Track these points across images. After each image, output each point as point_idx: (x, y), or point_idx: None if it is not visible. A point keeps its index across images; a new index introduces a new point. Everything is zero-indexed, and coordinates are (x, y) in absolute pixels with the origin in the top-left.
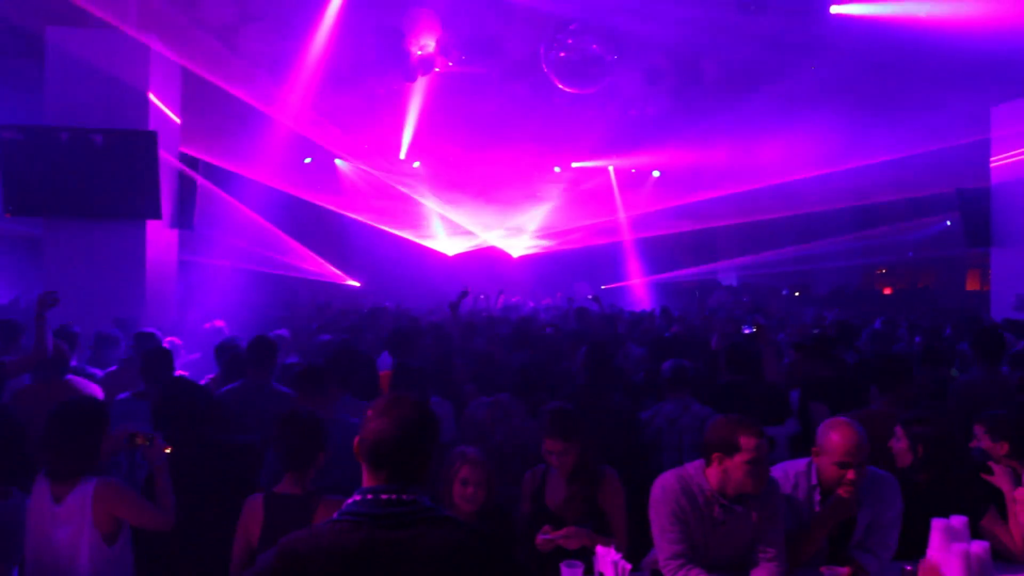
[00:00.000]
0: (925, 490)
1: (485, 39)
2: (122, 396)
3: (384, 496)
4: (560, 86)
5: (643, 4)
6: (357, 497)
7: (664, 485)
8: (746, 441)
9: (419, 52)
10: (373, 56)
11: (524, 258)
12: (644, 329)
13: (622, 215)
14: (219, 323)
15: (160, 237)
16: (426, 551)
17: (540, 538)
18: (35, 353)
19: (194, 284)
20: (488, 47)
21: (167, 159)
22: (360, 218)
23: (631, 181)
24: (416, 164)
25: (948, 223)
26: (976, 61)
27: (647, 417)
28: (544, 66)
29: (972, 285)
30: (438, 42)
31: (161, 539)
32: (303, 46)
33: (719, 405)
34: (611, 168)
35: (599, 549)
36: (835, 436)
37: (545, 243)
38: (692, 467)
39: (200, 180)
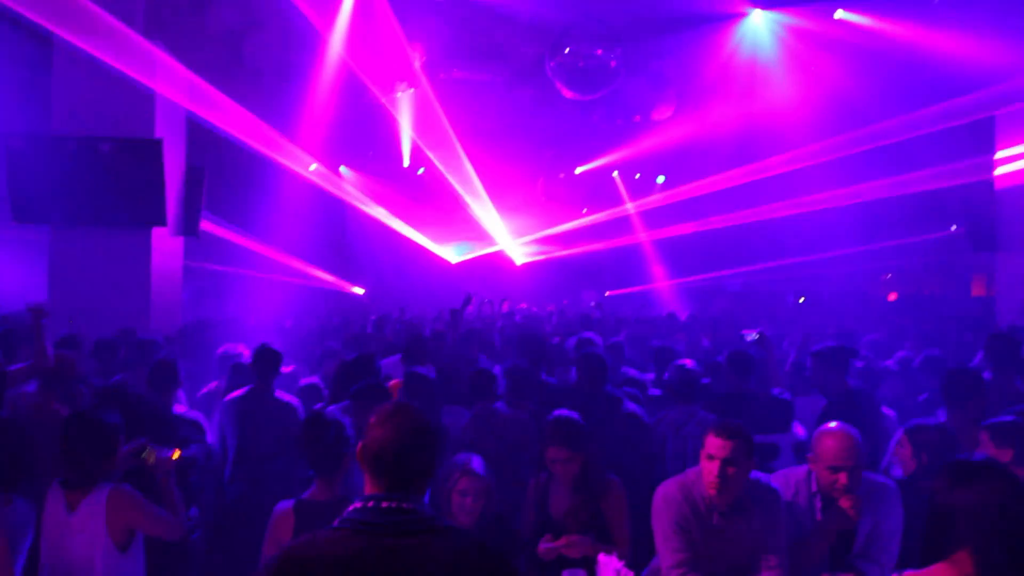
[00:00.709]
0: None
1: (490, 46)
2: None
3: (385, 504)
4: (564, 93)
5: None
6: (358, 504)
7: (666, 493)
8: (710, 441)
9: (420, 60)
10: (377, 63)
11: (528, 265)
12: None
13: (629, 215)
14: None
15: (165, 245)
16: (426, 560)
17: (542, 546)
18: (36, 362)
19: (200, 291)
20: (493, 53)
21: (173, 166)
22: (365, 223)
23: (637, 186)
24: (421, 171)
25: (953, 228)
26: (981, 66)
27: (651, 424)
28: (549, 72)
29: (978, 291)
30: (441, 49)
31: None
32: (309, 54)
33: (721, 413)
34: (616, 173)
35: (601, 557)
36: (827, 441)
37: (548, 249)
38: (693, 472)
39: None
